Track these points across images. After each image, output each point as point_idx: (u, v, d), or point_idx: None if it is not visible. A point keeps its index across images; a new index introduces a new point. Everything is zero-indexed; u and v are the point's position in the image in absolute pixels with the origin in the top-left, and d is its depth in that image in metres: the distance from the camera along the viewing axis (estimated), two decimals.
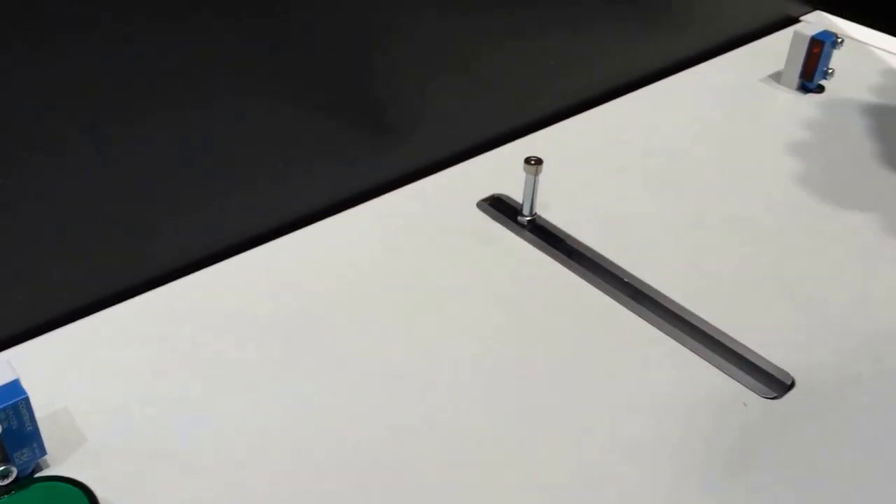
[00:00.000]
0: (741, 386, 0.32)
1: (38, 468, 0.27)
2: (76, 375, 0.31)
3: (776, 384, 0.32)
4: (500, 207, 0.40)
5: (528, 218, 0.39)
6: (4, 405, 0.25)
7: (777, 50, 0.52)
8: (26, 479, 0.26)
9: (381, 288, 0.36)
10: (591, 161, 0.44)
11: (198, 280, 0.36)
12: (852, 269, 0.37)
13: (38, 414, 0.26)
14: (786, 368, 0.33)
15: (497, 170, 0.43)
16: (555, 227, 0.39)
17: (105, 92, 0.31)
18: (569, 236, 0.39)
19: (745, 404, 0.31)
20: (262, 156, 0.37)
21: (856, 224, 0.40)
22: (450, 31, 0.40)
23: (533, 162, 0.38)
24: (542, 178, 0.39)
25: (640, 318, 0.35)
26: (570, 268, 0.37)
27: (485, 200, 0.41)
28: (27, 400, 0.26)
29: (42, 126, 0.30)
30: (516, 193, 0.40)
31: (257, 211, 0.38)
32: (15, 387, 0.26)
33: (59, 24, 0.29)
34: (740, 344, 0.34)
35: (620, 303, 0.35)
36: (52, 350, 0.32)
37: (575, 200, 0.41)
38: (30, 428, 0.26)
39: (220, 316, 0.34)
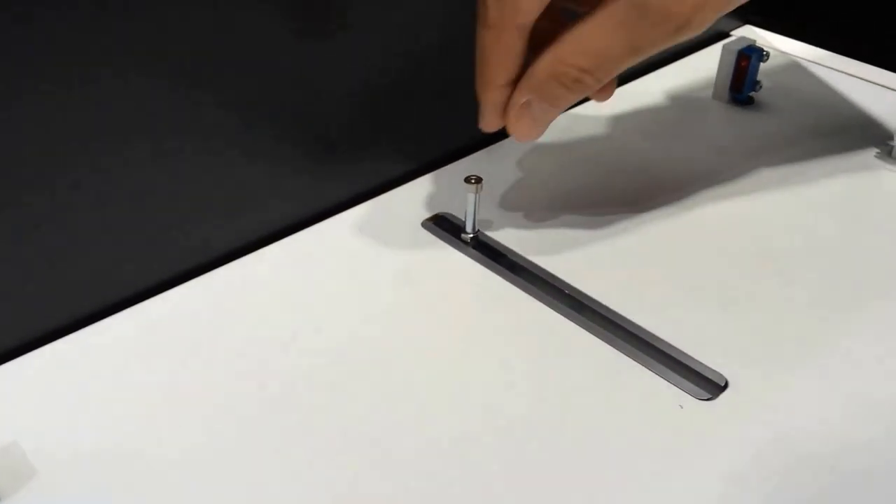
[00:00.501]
0: (677, 388, 0.33)
1: None
2: (25, 410, 0.32)
3: (710, 385, 0.34)
4: (443, 226, 0.42)
5: (471, 235, 0.41)
6: None
7: (709, 65, 0.54)
8: None
9: (327, 312, 0.37)
10: (532, 176, 0.45)
11: (146, 311, 0.36)
12: (779, 271, 0.39)
13: None
14: (719, 370, 0.34)
15: (441, 190, 0.44)
16: (497, 242, 0.41)
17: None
18: (510, 250, 0.40)
19: (681, 406, 0.33)
20: (186, 190, 0.37)
21: (779, 223, 0.42)
22: (388, 54, 0.42)
23: (473, 181, 0.39)
24: (485, 195, 0.40)
25: (577, 326, 0.36)
26: (511, 281, 0.38)
27: (429, 220, 0.42)
28: None
29: None
30: (461, 212, 0.42)
31: (187, 247, 0.38)
32: None
33: None
34: (674, 347, 0.35)
35: (559, 312, 0.37)
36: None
37: (516, 216, 0.42)
38: None
39: (163, 349, 0.35)
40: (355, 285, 0.38)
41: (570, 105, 0.36)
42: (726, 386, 0.34)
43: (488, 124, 0.37)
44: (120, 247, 0.36)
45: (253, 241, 0.40)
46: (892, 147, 0.47)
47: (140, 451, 0.30)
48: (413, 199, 0.43)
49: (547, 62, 0.34)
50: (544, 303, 0.37)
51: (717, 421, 0.32)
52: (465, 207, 0.40)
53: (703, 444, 0.31)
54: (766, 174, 0.46)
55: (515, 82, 0.36)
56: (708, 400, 0.33)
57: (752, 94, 0.52)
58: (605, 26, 0.33)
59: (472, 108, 0.37)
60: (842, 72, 0.55)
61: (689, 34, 0.32)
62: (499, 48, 0.34)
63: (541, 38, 0.35)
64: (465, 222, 0.41)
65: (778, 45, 0.59)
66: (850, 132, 0.50)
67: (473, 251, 0.40)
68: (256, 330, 0.36)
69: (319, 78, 0.39)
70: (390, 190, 0.44)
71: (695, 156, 0.47)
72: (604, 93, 0.38)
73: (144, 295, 0.37)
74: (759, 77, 0.52)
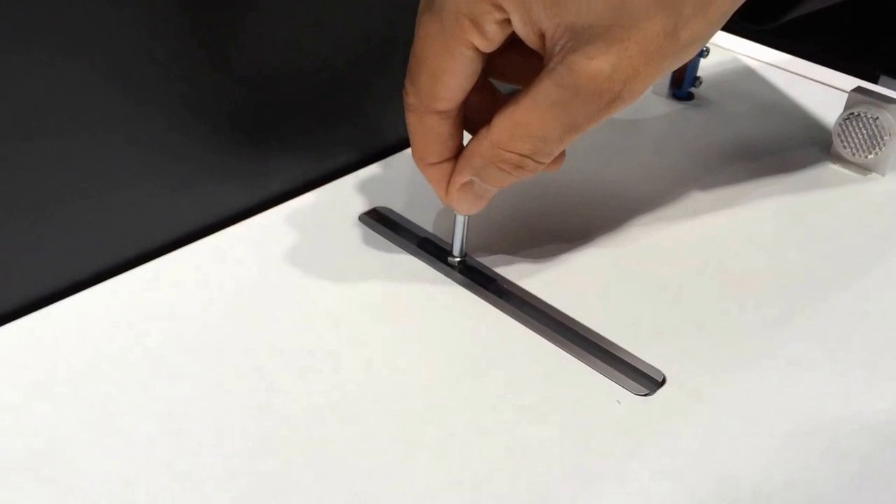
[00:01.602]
0: (615, 384, 0.33)
1: None
2: None
3: (648, 381, 0.34)
4: (382, 221, 0.41)
5: (459, 259, 0.39)
6: None
7: None
8: None
9: (269, 305, 0.36)
10: None
11: (66, 307, 0.35)
12: (716, 267, 0.39)
13: None
14: (657, 366, 0.34)
15: (375, 185, 0.43)
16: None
17: None
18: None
19: (619, 402, 0.33)
20: (116, 178, 0.36)
21: (721, 222, 0.42)
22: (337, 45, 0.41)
23: None
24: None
25: (514, 320, 0.36)
26: (462, 284, 0.38)
27: (367, 214, 0.41)
28: None
29: None
30: (396, 206, 0.41)
31: (114, 240, 0.37)
32: None
33: None
34: (613, 344, 0.35)
35: (496, 306, 0.36)
36: None
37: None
38: None
39: (91, 343, 0.33)
40: (288, 282, 0.37)
41: (512, 183, 0.34)
42: (664, 382, 0.34)
43: (436, 192, 0.36)
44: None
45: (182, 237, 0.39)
46: (832, 145, 0.47)
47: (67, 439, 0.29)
48: (348, 193, 0.43)
49: (485, 148, 0.33)
50: (488, 301, 0.37)
51: (654, 417, 0.32)
52: (452, 228, 0.38)
53: (639, 439, 0.31)
54: (707, 171, 0.46)
55: (451, 158, 0.34)
56: (646, 395, 0.33)
57: (692, 89, 0.53)
58: (538, 109, 0.31)
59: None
60: (782, 69, 0.56)
61: (623, 105, 0.31)
62: (424, 131, 0.33)
63: (475, 111, 0.34)
64: (451, 245, 0.39)
65: (718, 41, 0.59)
66: (789, 128, 0.50)
67: (417, 249, 0.39)
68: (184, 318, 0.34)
69: (254, 60, 0.39)
70: (332, 181, 0.43)
71: (636, 153, 0.47)
72: (554, 165, 0.35)
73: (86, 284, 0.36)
74: (699, 73, 0.52)
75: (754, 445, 0.31)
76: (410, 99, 0.33)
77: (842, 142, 0.47)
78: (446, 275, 0.38)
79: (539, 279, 0.38)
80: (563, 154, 0.35)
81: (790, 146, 0.48)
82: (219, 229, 0.40)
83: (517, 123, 0.32)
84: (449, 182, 0.35)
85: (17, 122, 0.32)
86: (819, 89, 0.53)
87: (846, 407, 0.33)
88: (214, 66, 0.37)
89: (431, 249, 0.39)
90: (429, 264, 0.38)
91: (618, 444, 0.31)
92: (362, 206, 0.42)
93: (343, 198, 0.42)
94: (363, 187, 0.43)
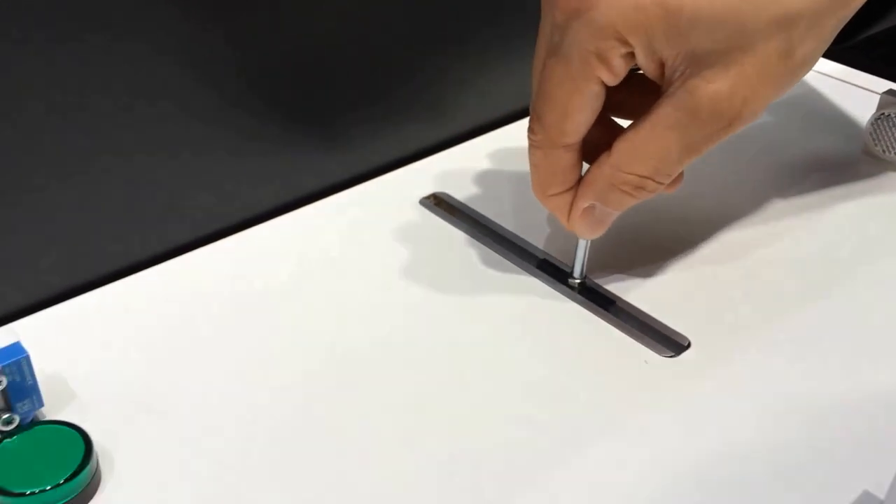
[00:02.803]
0: (643, 347, 0.37)
1: (37, 418, 0.32)
2: (68, 346, 0.36)
3: (674, 345, 0.38)
4: (441, 205, 0.46)
5: (579, 281, 0.40)
6: (8, 362, 0.30)
7: None
8: (28, 424, 0.31)
9: (336, 278, 0.41)
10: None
11: (161, 271, 0.41)
12: (741, 240, 0.43)
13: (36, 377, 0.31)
14: (683, 332, 0.38)
15: (438, 172, 0.48)
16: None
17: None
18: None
19: (646, 362, 0.37)
20: (204, 158, 0.41)
21: (755, 215, 0.46)
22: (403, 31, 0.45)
23: None
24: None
25: (553, 291, 0.40)
26: (503, 255, 0.42)
27: (427, 198, 0.46)
28: (28, 358, 0.30)
29: None
30: (456, 192, 0.46)
31: (201, 215, 0.42)
32: (17, 347, 0.30)
33: None
34: (641, 311, 0.39)
35: (536, 276, 0.41)
36: (47, 325, 0.37)
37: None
38: (30, 382, 0.31)
39: (179, 304, 0.39)
40: (360, 253, 0.42)
41: (633, 205, 0.36)
42: (689, 346, 0.37)
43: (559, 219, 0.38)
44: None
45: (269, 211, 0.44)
46: (865, 144, 0.50)
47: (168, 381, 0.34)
48: (411, 179, 0.47)
49: (606, 172, 0.35)
50: (530, 273, 0.41)
51: (677, 375, 0.36)
52: (574, 251, 0.40)
53: (664, 395, 0.35)
54: (738, 164, 0.50)
55: (572, 188, 0.36)
56: (671, 357, 0.37)
57: None
58: (657, 131, 0.33)
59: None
60: (815, 71, 0.59)
61: (742, 126, 0.33)
62: (549, 165, 0.35)
63: (594, 142, 0.35)
64: (573, 267, 0.41)
65: None
66: (822, 128, 0.53)
67: (471, 229, 0.44)
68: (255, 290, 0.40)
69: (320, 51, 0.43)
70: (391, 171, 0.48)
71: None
72: (672, 186, 0.36)
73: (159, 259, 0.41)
74: None
75: (765, 408, 0.35)
76: (538, 137, 0.35)
77: (874, 140, 0.50)
78: (567, 296, 0.40)
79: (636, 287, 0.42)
80: (681, 176, 0.36)
81: (823, 144, 0.52)
82: (297, 207, 0.45)
83: (637, 146, 0.34)
84: (571, 209, 0.37)
85: (118, 104, 0.38)
86: (852, 91, 0.56)
87: (861, 385, 0.36)
88: (285, 46, 0.42)
89: (550, 270, 0.42)
90: (549, 285, 0.40)
91: (642, 398, 0.35)
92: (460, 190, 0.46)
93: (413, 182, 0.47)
94: (437, 171, 0.48)
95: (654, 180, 0.34)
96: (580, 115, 0.34)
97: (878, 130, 0.50)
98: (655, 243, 0.43)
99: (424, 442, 0.33)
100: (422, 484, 0.31)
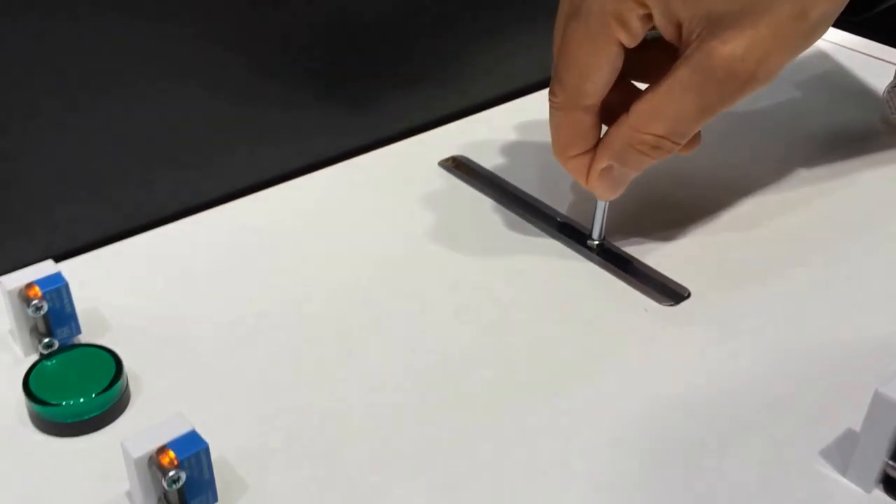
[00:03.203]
0: (644, 297, 0.39)
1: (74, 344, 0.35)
2: (103, 284, 0.39)
3: (674, 295, 0.39)
4: (460, 168, 0.48)
5: (597, 242, 0.42)
6: (48, 289, 0.33)
7: None
8: (66, 346, 0.34)
9: (355, 233, 0.43)
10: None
11: (193, 221, 0.44)
12: (759, 206, 0.44)
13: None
14: (684, 283, 0.40)
15: (458, 138, 0.50)
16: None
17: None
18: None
19: (646, 310, 0.38)
20: (235, 119, 0.44)
21: (770, 177, 0.47)
22: None
23: None
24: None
25: (564, 247, 0.42)
26: (517, 214, 0.44)
27: (446, 160, 0.48)
28: (67, 286, 0.33)
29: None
30: (476, 157, 0.48)
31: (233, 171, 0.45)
32: (57, 277, 0.33)
33: None
34: (653, 269, 0.41)
35: (554, 238, 0.43)
36: (86, 265, 0.40)
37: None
38: (69, 310, 0.34)
39: (209, 248, 0.42)
40: (380, 209, 0.44)
41: (649, 165, 0.37)
42: (689, 296, 0.39)
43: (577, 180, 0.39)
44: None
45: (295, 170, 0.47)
46: (881, 113, 0.51)
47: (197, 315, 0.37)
48: (431, 143, 0.50)
49: (623, 132, 0.36)
50: (549, 234, 0.43)
51: (677, 322, 0.38)
52: (593, 213, 0.41)
53: (662, 341, 0.37)
54: (757, 135, 0.51)
55: (591, 149, 0.37)
56: (671, 306, 0.39)
57: None
58: (674, 92, 0.34)
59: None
60: (831, 42, 0.60)
61: (758, 87, 0.33)
62: (569, 126, 0.37)
63: (613, 105, 0.36)
64: (591, 228, 0.42)
65: None
66: (839, 96, 0.54)
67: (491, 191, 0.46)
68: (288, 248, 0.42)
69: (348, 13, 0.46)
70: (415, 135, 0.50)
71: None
72: (689, 147, 0.38)
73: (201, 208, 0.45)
74: None
75: (756, 350, 0.36)
76: (558, 98, 0.36)
77: (890, 109, 0.51)
78: (586, 257, 0.41)
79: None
80: (698, 137, 0.38)
81: (842, 115, 0.53)
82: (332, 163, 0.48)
83: (654, 107, 0.35)
84: (589, 170, 0.38)
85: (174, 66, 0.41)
86: (869, 62, 0.57)
87: (856, 330, 0.37)
88: (316, 14, 0.44)
89: (570, 232, 0.43)
90: (568, 247, 0.42)
91: (641, 343, 0.37)
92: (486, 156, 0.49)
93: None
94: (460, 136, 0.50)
95: (670, 140, 0.35)
96: (599, 77, 0.35)
97: (894, 99, 0.51)
98: (676, 209, 0.44)
99: (441, 375, 0.35)
100: (443, 407, 0.34)
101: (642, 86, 0.37)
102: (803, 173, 0.47)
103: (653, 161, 0.37)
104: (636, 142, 0.36)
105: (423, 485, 0.31)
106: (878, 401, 0.29)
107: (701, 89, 0.34)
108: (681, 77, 0.34)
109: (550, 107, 0.37)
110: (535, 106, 0.53)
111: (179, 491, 0.28)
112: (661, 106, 0.35)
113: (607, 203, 0.41)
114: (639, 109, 0.35)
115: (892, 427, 0.29)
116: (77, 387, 0.32)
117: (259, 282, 0.40)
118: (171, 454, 0.27)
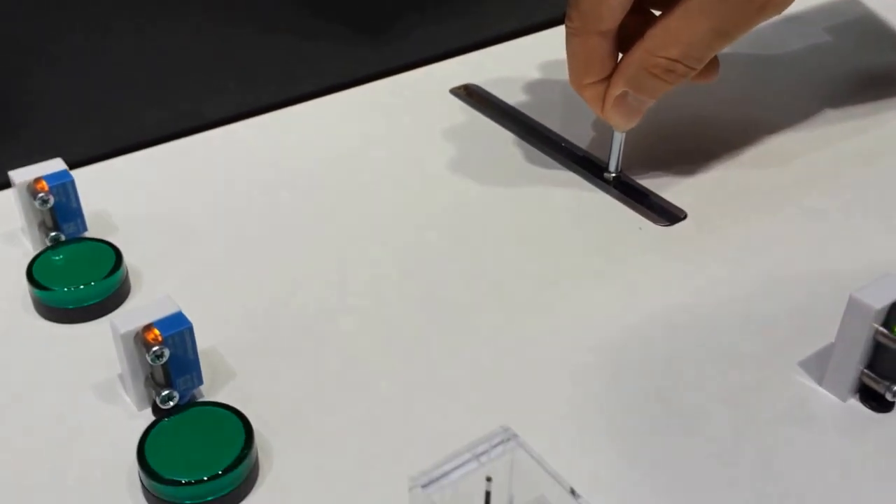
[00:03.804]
0: (640, 216, 0.39)
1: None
2: (113, 189, 0.41)
3: (670, 216, 0.39)
4: (472, 96, 0.48)
5: (614, 175, 0.41)
6: (55, 183, 0.34)
7: None
8: (71, 239, 0.35)
9: (373, 158, 0.44)
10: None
11: (197, 140, 0.45)
12: (779, 144, 0.44)
13: None
14: (681, 206, 0.40)
15: (472, 67, 0.51)
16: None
17: None
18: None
19: (640, 228, 0.39)
20: (252, 43, 0.45)
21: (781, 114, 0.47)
22: None
23: None
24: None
25: (566, 170, 0.42)
26: (525, 139, 0.45)
27: (458, 88, 0.49)
28: (73, 182, 0.35)
29: None
30: (488, 86, 0.48)
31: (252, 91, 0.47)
32: (64, 174, 0.35)
33: None
34: (643, 186, 0.41)
35: (554, 159, 0.43)
36: (99, 173, 0.42)
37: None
38: (75, 205, 0.35)
39: (221, 166, 0.43)
40: (395, 135, 0.45)
41: (664, 92, 0.37)
42: (685, 217, 0.39)
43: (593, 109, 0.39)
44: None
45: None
46: None
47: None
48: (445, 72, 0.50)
49: (637, 56, 0.36)
50: (563, 165, 0.43)
51: (672, 242, 0.38)
52: (610, 145, 0.41)
53: (655, 257, 0.37)
54: (783, 79, 0.50)
55: (607, 77, 0.37)
56: (666, 226, 0.39)
57: None
58: (689, 15, 0.34)
59: None
60: None
61: (773, 13, 0.33)
62: (586, 52, 0.36)
63: (629, 33, 0.36)
64: (608, 161, 0.41)
65: None
66: (859, 33, 0.54)
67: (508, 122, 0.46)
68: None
69: None
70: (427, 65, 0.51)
71: None
72: (707, 76, 0.37)
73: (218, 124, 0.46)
74: None
75: (742, 270, 0.36)
76: (575, 24, 0.36)
77: None
78: (604, 190, 0.41)
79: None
80: (716, 67, 0.38)
81: (869, 55, 0.52)
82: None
83: (668, 30, 0.35)
84: (605, 98, 0.38)
85: None
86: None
87: (849, 252, 0.37)
88: None
89: (588, 165, 0.43)
90: (585, 179, 0.42)
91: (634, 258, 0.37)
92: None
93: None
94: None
95: (683, 64, 0.35)
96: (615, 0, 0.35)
97: None
98: (695, 145, 0.44)
99: (441, 285, 0.36)
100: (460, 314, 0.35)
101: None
102: (830, 113, 0.47)
103: (668, 87, 0.36)
104: (650, 65, 0.35)
105: (411, 384, 0.32)
106: (853, 305, 0.29)
107: (715, 12, 0.33)
108: (697, 1, 0.34)
109: (567, 33, 0.37)
110: (551, 39, 0.53)
111: (164, 368, 0.29)
112: (675, 29, 0.34)
113: (623, 136, 0.41)
114: (653, 34, 0.35)
115: (865, 333, 0.29)
116: (79, 275, 0.33)
117: (267, 195, 0.41)
118: (156, 331, 0.28)
